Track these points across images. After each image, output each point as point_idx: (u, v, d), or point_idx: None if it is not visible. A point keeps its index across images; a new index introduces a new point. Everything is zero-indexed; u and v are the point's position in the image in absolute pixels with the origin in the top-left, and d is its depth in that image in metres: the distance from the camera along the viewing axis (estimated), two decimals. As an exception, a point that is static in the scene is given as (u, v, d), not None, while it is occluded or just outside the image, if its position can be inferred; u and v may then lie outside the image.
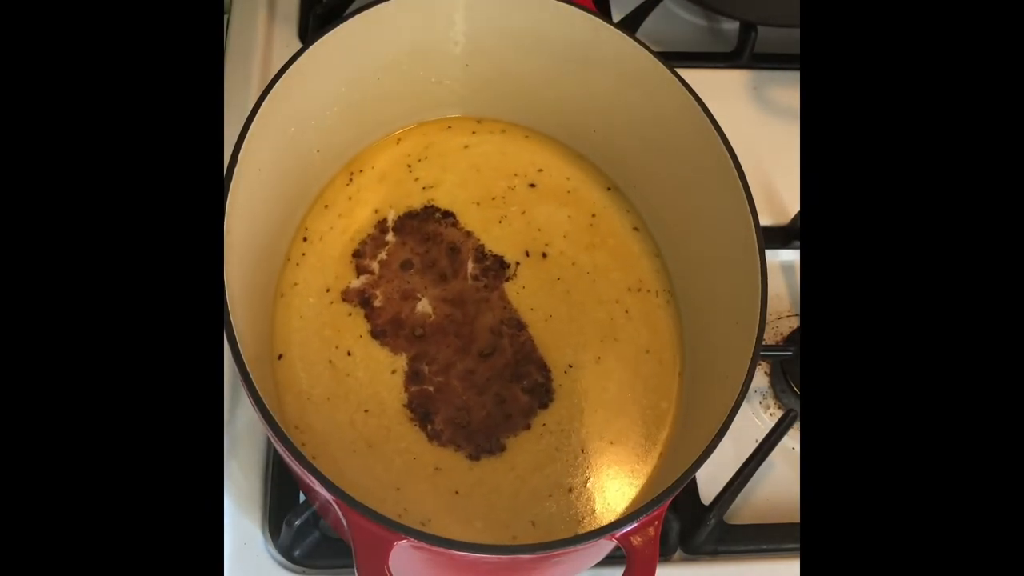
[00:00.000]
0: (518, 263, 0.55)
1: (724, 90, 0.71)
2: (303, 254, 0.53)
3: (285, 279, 0.52)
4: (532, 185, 0.57)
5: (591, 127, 0.58)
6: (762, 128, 0.69)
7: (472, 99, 0.59)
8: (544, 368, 0.52)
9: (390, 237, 0.55)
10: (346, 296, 0.53)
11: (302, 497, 0.52)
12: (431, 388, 0.51)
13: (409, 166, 0.57)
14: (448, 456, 0.50)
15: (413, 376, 0.51)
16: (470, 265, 0.54)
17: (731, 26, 0.74)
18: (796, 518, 0.55)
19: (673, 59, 0.52)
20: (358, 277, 0.53)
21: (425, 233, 0.55)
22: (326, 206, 0.55)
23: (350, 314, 0.52)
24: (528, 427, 0.51)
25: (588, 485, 0.50)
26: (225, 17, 0.70)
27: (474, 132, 0.59)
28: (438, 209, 0.56)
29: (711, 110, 0.49)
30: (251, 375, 0.40)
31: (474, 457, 0.50)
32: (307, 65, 0.49)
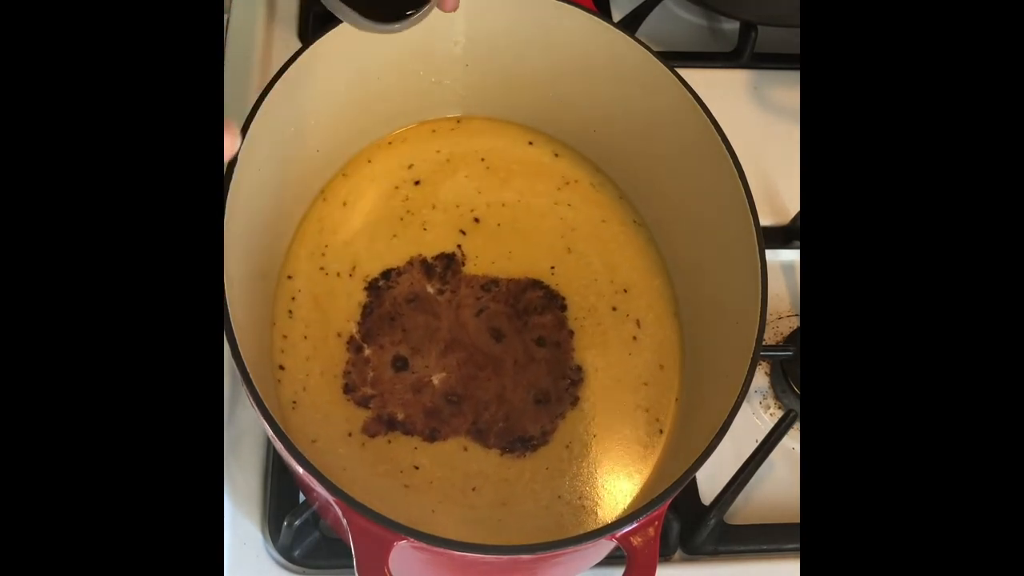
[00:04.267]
0: (459, 246, 0.55)
1: (724, 90, 0.71)
2: (294, 402, 0.50)
3: (299, 432, 0.49)
4: (417, 183, 0.57)
5: (591, 127, 0.58)
6: (762, 128, 0.69)
7: (472, 99, 0.59)
8: (536, 284, 0.55)
9: (367, 352, 0.52)
10: (371, 430, 0.50)
11: (302, 497, 0.52)
12: (502, 424, 0.51)
13: (322, 267, 0.54)
14: (564, 429, 0.51)
15: (479, 435, 0.50)
16: (429, 289, 0.54)
17: (731, 26, 0.74)
18: (796, 518, 0.55)
19: (673, 59, 0.52)
20: (367, 408, 0.50)
21: (388, 314, 0.53)
22: (285, 336, 0.51)
23: (390, 441, 0.50)
24: (572, 333, 0.54)
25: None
26: (225, 17, 0.70)
27: (344, 175, 0.57)
28: (376, 280, 0.54)
29: (711, 110, 0.50)
30: (250, 373, 0.40)
31: (574, 402, 0.52)
32: (307, 65, 0.49)
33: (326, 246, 0.54)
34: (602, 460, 0.51)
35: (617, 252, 0.56)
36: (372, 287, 0.54)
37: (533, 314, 0.54)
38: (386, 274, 0.54)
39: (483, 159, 0.58)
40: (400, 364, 0.52)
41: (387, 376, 0.51)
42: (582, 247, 0.56)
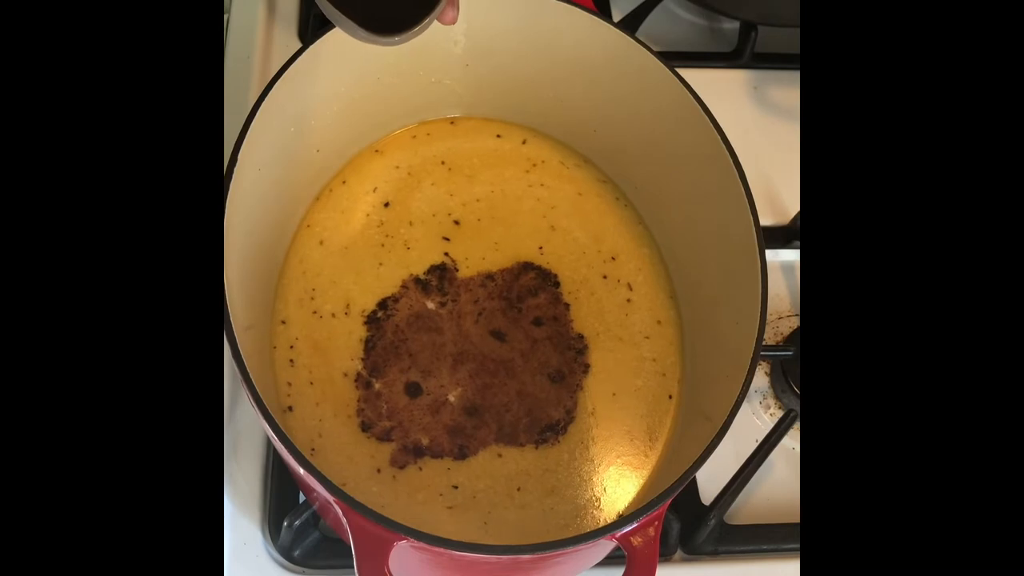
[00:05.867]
0: (447, 253, 0.55)
1: (724, 90, 0.71)
2: (312, 449, 0.49)
3: (331, 473, 0.46)
4: (386, 204, 0.56)
5: (591, 127, 0.58)
6: (762, 128, 0.69)
7: (472, 99, 0.59)
8: (528, 266, 0.55)
9: (378, 385, 0.51)
10: (399, 462, 0.49)
11: (302, 497, 0.52)
12: (527, 419, 0.51)
13: (315, 311, 0.52)
14: (585, 399, 0.52)
15: (509, 439, 0.50)
16: (430, 305, 0.53)
17: (731, 26, 0.74)
18: (796, 518, 0.55)
19: (673, 59, 0.52)
20: (390, 441, 0.49)
21: (391, 344, 0.52)
22: (290, 383, 0.50)
23: (421, 468, 0.49)
24: (568, 306, 0.55)
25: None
26: (225, 17, 0.70)
27: (330, 190, 0.56)
28: (373, 314, 0.53)
29: (711, 110, 0.49)
30: (249, 372, 0.40)
31: (585, 370, 0.53)
32: (307, 65, 0.49)
33: (313, 289, 0.53)
34: (625, 415, 0.52)
35: (599, 222, 0.57)
36: (372, 320, 0.53)
37: (527, 298, 0.54)
38: (383, 304, 0.53)
39: (443, 162, 0.58)
40: (413, 390, 0.51)
41: (402, 404, 0.50)
42: (565, 223, 0.57)
